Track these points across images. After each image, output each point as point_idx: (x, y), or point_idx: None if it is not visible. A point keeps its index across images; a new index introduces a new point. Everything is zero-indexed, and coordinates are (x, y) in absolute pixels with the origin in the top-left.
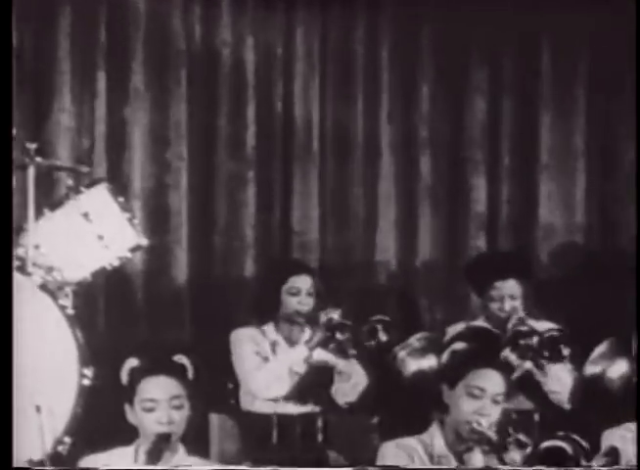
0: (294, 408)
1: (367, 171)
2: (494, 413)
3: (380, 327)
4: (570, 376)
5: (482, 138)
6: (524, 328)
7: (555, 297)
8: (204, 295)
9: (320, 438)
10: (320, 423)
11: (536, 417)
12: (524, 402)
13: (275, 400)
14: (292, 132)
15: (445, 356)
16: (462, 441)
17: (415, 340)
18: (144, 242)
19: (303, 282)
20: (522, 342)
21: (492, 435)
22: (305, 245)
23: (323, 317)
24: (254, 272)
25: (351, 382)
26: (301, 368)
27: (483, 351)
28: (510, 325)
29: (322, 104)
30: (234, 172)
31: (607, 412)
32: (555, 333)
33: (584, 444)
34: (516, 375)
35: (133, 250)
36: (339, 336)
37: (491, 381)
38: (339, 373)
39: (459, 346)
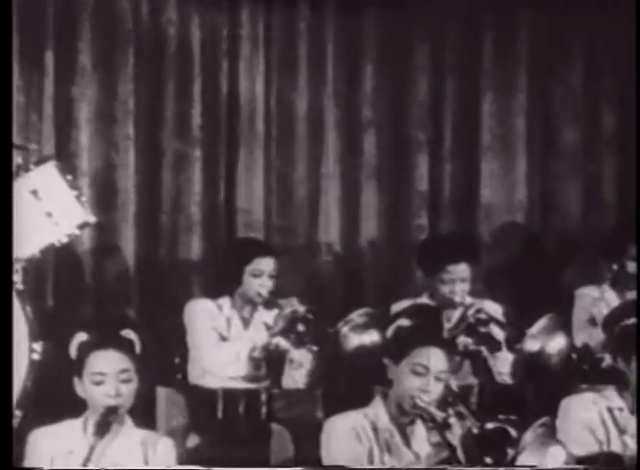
0: (241, 384)
1: (311, 150)
2: (437, 390)
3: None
4: (511, 352)
5: (426, 118)
6: (482, 316)
7: (498, 276)
8: (151, 271)
9: (264, 412)
10: (264, 398)
11: (478, 391)
12: (468, 378)
13: (231, 379)
14: (237, 111)
15: (390, 332)
16: (405, 414)
17: (357, 316)
18: (92, 219)
19: (267, 264)
20: (475, 326)
21: (434, 411)
22: (250, 224)
23: (288, 308)
24: (203, 249)
25: (302, 370)
26: (261, 354)
27: (428, 328)
28: (462, 309)
29: (267, 83)
30: (180, 151)
31: (546, 386)
32: (504, 319)
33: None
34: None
35: (81, 227)
36: (300, 328)
37: (435, 359)
38: (291, 361)
39: (404, 322)
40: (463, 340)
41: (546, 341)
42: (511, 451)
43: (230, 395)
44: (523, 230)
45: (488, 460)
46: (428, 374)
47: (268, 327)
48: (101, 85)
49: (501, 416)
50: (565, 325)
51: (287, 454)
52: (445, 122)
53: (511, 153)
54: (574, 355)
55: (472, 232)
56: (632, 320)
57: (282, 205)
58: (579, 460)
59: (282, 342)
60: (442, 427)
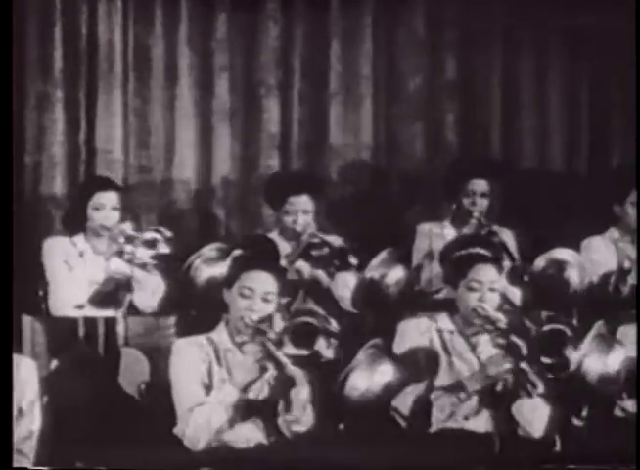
0: (98, 313)
1: (167, 93)
2: (264, 310)
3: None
4: (354, 283)
5: (276, 64)
6: (315, 240)
7: (343, 211)
8: (16, 209)
9: (122, 338)
10: (122, 325)
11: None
12: (314, 308)
13: (79, 308)
14: (96, 55)
15: (227, 262)
16: (240, 334)
17: (208, 250)
18: None
19: (107, 198)
20: (314, 253)
21: (264, 328)
22: (110, 162)
23: (116, 229)
24: (63, 188)
25: (149, 291)
26: (99, 278)
27: (260, 256)
28: (303, 238)
29: (124, 28)
30: (42, 93)
31: (384, 314)
32: (343, 244)
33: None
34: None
35: None
36: (129, 247)
37: (261, 281)
38: (137, 283)
39: (238, 252)
40: (303, 267)
41: (385, 272)
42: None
43: (90, 322)
44: (368, 168)
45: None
46: (254, 296)
47: (117, 256)
48: None
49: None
50: (404, 258)
51: (143, 378)
52: (295, 68)
53: (357, 97)
54: (416, 287)
55: (319, 171)
56: (463, 252)
57: (139, 144)
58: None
59: (119, 263)
60: (278, 344)
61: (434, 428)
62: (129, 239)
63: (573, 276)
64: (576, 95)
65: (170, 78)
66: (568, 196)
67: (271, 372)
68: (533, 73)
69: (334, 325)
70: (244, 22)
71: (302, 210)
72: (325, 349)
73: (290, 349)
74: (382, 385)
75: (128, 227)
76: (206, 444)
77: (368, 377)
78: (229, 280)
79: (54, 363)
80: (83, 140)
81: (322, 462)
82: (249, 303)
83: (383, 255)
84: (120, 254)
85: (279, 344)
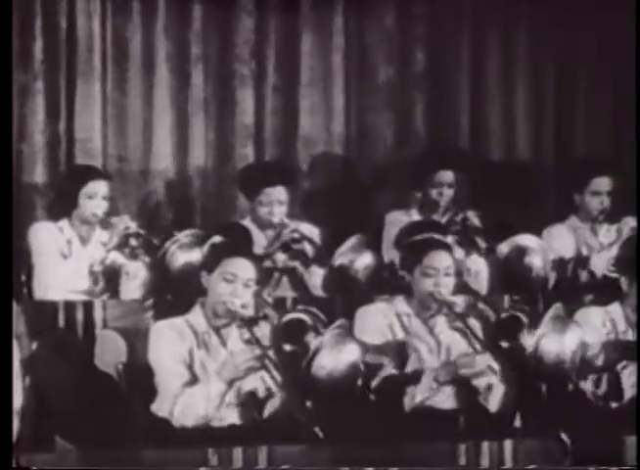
0: (82, 297)
1: (144, 84)
2: (245, 295)
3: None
4: (322, 268)
5: (250, 55)
6: (295, 235)
7: (315, 200)
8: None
9: (101, 321)
10: (101, 308)
11: (290, 301)
12: (287, 291)
13: (72, 293)
14: (75, 47)
15: (205, 248)
16: (219, 317)
17: (183, 236)
18: None
19: (100, 187)
20: (293, 246)
21: (244, 312)
22: (88, 151)
23: (121, 225)
24: (44, 176)
25: (136, 281)
26: (99, 268)
27: (237, 243)
28: (284, 232)
29: (103, 20)
30: (23, 83)
31: (353, 297)
32: (322, 240)
33: (322, 316)
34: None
35: None
36: (133, 242)
37: (242, 268)
38: (126, 273)
39: (217, 239)
40: (279, 256)
41: (354, 258)
42: (312, 341)
43: (69, 305)
44: (339, 159)
45: (288, 347)
46: (236, 281)
47: (104, 244)
48: None
49: (300, 307)
50: (372, 245)
51: (121, 359)
52: (268, 60)
53: (329, 89)
54: (385, 273)
55: (292, 161)
56: (417, 237)
57: (117, 134)
58: (373, 349)
59: (117, 256)
60: (251, 324)
61: (406, 409)
62: (127, 229)
63: (536, 261)
64: (542, 87)
65: (147, 69)
66: (532, 185)
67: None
68: (500, 66)
69: (327, 335)
70: (219, 14)
71: (277, 200)
72: (314, 340)
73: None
74: (348, 364)
75: (128, 219)
76: (193, 425)
77: (334, 356)
78: (209, 266)
79: (34, 345)
80: (63, 129)
81: (292, 438)
82: (231, 288)
83: (351, 241)
84: (121, 243)
85: (272, 346)
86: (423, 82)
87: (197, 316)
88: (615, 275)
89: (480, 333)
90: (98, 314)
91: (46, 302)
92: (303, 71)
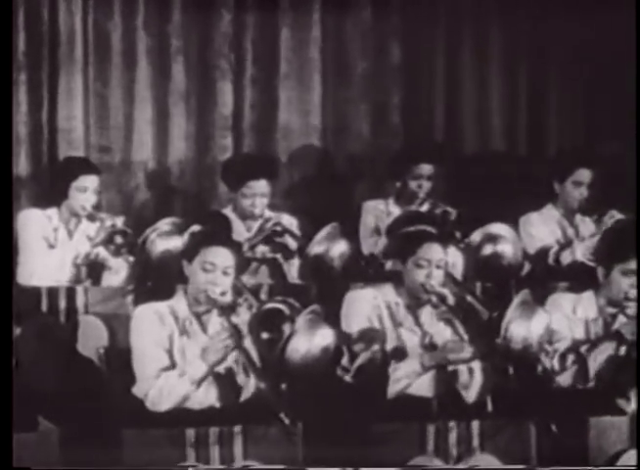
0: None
1: (125, 76)
2: (225, 283)
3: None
4: (302, 259)
5: (229, 48)
6: (278, 228)
7: (294, 192)
8: None
9: (82, 306)
10: (82, 294)
11: (266, 288)
12: (265, 279)
13: (56, 282)
14: (57, 40)
15: (185, 237)
16: (200, 304)
17: (163, 224)
18: None
19: (91, 181)
20: (275, 239)
21: (223, 300)
22: (71, 142)
23: (108, 221)
24: (27, 166)
25: (119, 277)
26: (82, 261)
27: (217, 232)
28: (261, 221)
29: (84, 13)
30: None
31: (328, 284)
32: (295, 228)
33: (297, 305)
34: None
35: None
36: (118, 240)
37: (221, 256)
38: (109, 268)
39: (196, 228)
40: (261, 248)
41: (329, 246)
42: (286, 329)
43: (52, 291)
44: (317, 151)
45: (265, 335)
46: (215, 270)
47: (90, 238)
48: None
49: (279, 298)
50: (348, 233)
51: (102, 343)
52: (247, 53)
53: (307, 81)
54: (362, 261)
55: (271, 152)
56: (411, 228)
57: (99, 126)
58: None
59: (102, 251)
60: (230, 312)
61: (389, 395)
62: (113, 227)
63: (508, 250)
64: (515, 78)
65: (128, 62)
66: (508, 175)
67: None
68: (474, 58)
69: (300, 320)
70: (198, 9)
71: (260, 193)
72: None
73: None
74: (321, 348)
75: (120, 221)
76: (168, 408)
77: (308, 340)
78: (189, 254)
79: (18, 330)
80: (46, 121)
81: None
82: (211, 277)
83: (327, 229)
84: (106, 240)
85: (249, 332)
86: (398, 75)
87: (179, 302)
88: (592, 264)
89: (466, 325)
90: (80, 300)
91: (30, 287)
92: (281, 64)
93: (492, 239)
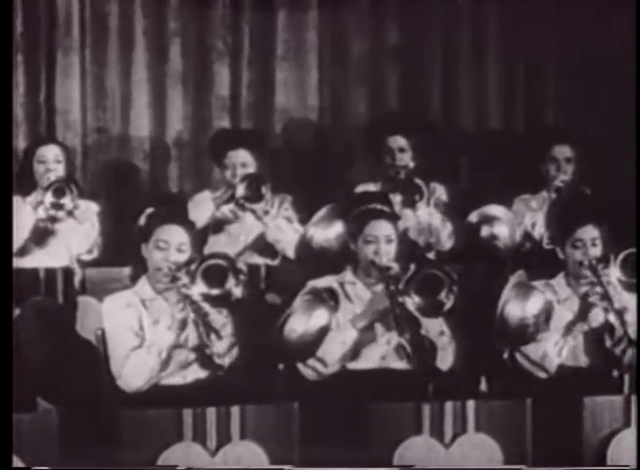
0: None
1: (122, 58)
2: (179, 259)
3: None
4: (296, 236)
5: (226, 30)
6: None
7: (286, 168)
8: None
9: (78, 286)
10: (79, 276)
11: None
12: (254, 258)
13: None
14: (54, 21)
15: (141, 220)
16: (159, 282)
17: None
18: None
19: (50, 151)
20: (247, 205)
21: (181, 275)
22: (68, 123)
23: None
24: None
25: (84, 238)
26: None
27: (169, 211)
28: (235, 182)
29: None
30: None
31: (322, 266)
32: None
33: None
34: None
35: None
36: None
37: (174, 234)
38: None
39: (150, 210)
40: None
41: (325, 227)
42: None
43: (50, 273)
44: (312, 129)
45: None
46: (169, 247)
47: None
48: None
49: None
50: (343, 215)
51: (99, 324)
52: (244, 34)
53: (303, 63)
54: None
55: (262, 128)
56: (362, 208)
57: (96, 106)
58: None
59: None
60: (189, 286)
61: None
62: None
63: (503, 231)
64: (513, 60)
65: (125, 43)
66: (504, 156)
67: (194, 319)
68: (471, 40)
69: (241, 265)
70: None
71: (240, 163)
72: (234, 287)
73: (202, 288)
74: (317, 328)
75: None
76: (142, 385)
77: (305, 321)
78: (145, 236)
79: (17, 311)
80: (43, 102)
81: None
82: (165, 254)
83: (324, 211)
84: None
85: (192, 283)
86: (396, 56)
87: (144, 286)
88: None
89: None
90: (78, 281)
91: (27, 269)
92: (278, 46)
93: (489, 220)
